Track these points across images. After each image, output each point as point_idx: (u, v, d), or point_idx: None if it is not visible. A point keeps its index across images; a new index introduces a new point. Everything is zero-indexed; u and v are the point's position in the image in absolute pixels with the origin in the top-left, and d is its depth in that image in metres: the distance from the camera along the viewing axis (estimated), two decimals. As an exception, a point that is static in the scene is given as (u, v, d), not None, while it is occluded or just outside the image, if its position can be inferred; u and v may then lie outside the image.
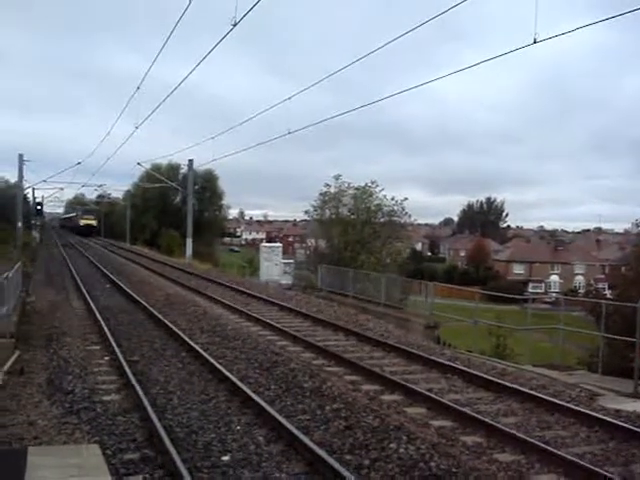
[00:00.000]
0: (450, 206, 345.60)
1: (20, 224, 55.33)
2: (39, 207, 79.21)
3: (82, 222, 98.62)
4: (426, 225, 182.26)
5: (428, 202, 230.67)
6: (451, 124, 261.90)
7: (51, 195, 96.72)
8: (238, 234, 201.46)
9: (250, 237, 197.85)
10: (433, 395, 11.50)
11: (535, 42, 12.27)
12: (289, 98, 23.68)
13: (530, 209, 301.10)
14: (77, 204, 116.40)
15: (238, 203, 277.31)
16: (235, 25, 15.16)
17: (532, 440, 9.17)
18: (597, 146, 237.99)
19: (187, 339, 15.92)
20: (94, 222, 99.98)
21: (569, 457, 8.50)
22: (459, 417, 10.37)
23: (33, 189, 78.67)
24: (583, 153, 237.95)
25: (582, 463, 8.31)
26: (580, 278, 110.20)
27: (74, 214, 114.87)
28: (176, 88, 26.94)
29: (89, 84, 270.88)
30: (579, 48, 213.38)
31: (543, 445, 9.00)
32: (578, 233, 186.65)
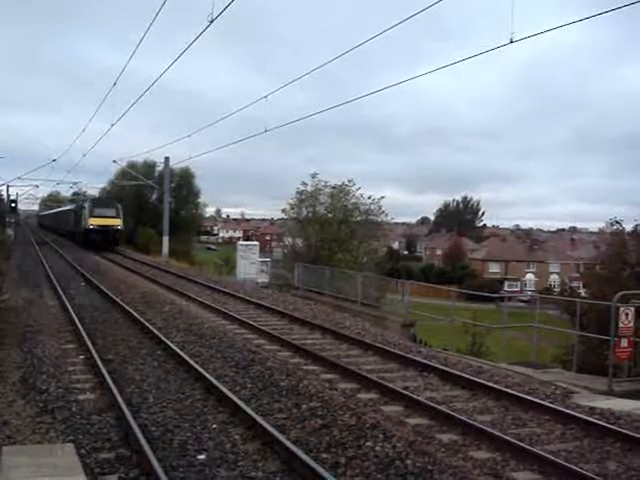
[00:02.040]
0: (429, 205, 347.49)
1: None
2: (13, 204, 78.36)
3: (92, 222, 53.92)
4: (403, 224, 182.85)
5: (407, 201, 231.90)
6: (432, 122, 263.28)
7: (26, 192, 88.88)
8: (215, 232, 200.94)
9: (227, 235, 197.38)
10: (409, 393, 11.52)
11: (512, 42, 12.35)
12: (265, 97, 23.61)
13: (506, 208, 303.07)
14: (53, 201, 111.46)
15: (215, 201, 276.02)
16: (212, 22, 15.11)
17: (507, 437, 9.23)
18: (577, 144, 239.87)
19: (163, 337, 15.84)
20: (116, 222, 55.08)
21: (544, 454, 8.56)
22: (435, 415, 10.41)
23: (7, 186, 77.72)
24: (562, 151, 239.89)
25: (557, 460, 8.37)
26: (555, 277, 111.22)
27: (69, 207, 74.97)
28: (152, 85, 26.82)
29: (65, 79, 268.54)
30: (560, 46, 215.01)
31: (518, 442, 9.05)
32: (553, 232, 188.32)
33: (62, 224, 77.29)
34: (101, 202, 57.85)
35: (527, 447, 8.87)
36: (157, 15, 17.32)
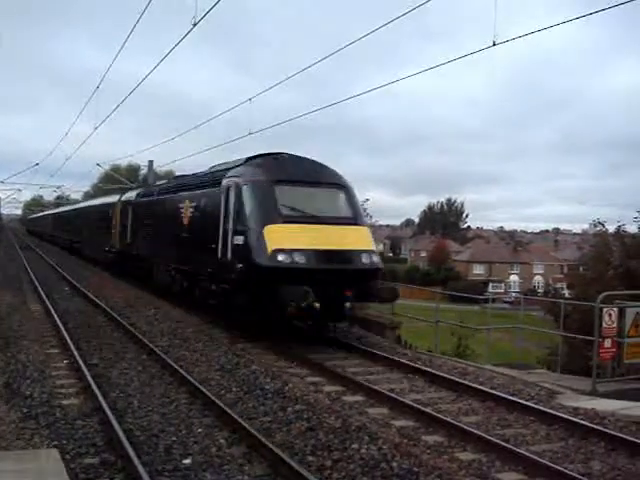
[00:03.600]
0: (413, 207, 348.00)
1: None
2: None
3: (278, 244, 15.05)
4: (387, 226, 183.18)
5: (391, 203, 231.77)
6: (416, 124, 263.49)
7: (8, 197, 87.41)
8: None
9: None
10: (395, 395, 11.55)
11: (494, 44, 12.41)
12: (250, 99, 23.45)
13: (491, 210, 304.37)
14: (35, 205, 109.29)
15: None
16: (195, 25, 15.08)
17: (492, 438, 9.26)
18: (562, 146, 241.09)
19: (147, 342, 15.78)
20: (364, 241, 16.71)
21: (529, 455, 8.60)
22: (421, 417, 10.43)
23: (-11, 190, 76.68)
24: (547, 153, 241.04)
25: (542, 461, 8.41)
26: (539, 278, 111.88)
27: (80, 205, 57.35)
28: (136, 88, 26.48)
29: (48, 79, 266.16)
30: (545, 48, 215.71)
31: (503, 443, 9.09)
32: (537, 234, 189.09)
33: (81, 236, 47.68)
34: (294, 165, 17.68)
35: (512, 448, 8.92)
36: (141, 16, 17.19)
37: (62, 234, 59.44)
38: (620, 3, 10.55)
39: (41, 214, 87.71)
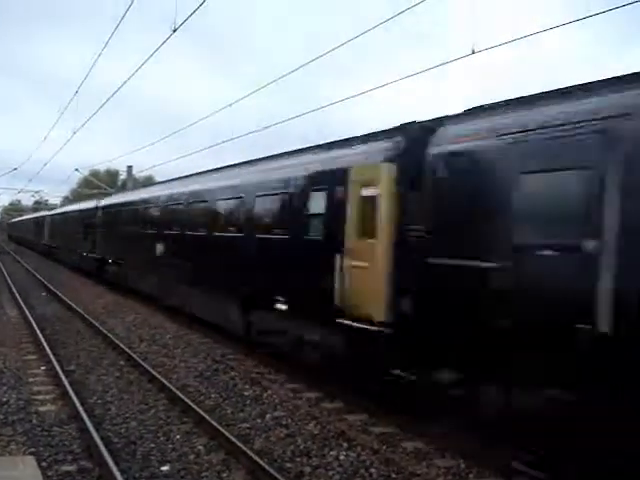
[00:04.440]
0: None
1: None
2: None
3: None
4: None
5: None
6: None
7: None
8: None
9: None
10: (374, 402, 11.52)
11: (473, 52, 12.47)
12: (230, 105, 23.42)
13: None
14: (14, 210, 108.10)
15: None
16: (175, 31, 15.04)
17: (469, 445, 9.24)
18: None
19: (125, 348, 15.71)
20: None
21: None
22: (400, 423, 10.42)
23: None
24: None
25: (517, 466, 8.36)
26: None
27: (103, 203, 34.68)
28: (116, 92, 26.39)
29: (26, 82, 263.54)
30: (521, 56, 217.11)
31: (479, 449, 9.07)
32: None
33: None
34: None
35: (488, 453, 8.90)
36: (122, 19, 16.96)
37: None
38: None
39: (34, 217, 72.81)
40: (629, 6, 9.82)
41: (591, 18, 10.75)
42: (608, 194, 7.06)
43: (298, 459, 8.78)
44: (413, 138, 10.64)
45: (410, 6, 12.94)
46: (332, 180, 12.14)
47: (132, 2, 15.90)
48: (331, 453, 8.99)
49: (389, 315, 10.21)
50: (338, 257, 11.32)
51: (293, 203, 13.62)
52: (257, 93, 21.60)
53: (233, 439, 9.06)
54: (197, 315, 18.88)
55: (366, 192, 10.89)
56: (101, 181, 65.67)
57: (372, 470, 8.37)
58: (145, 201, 25.90)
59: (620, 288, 6.91)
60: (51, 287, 30.10)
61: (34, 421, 10.19)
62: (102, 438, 9.04)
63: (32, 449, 8.88)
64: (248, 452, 8.55)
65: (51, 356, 14.47)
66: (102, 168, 75.61)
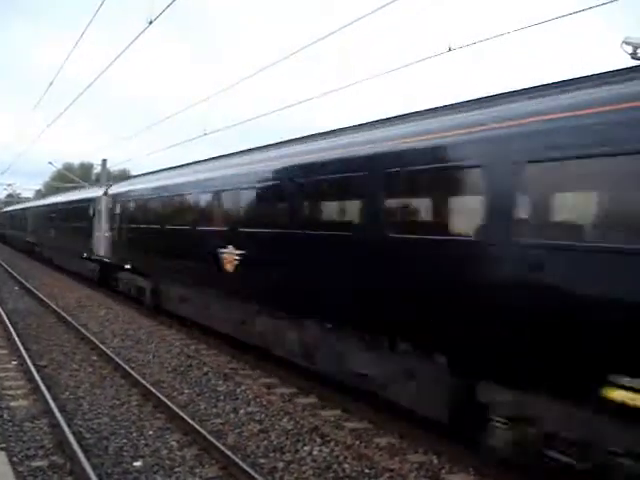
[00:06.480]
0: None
1: None
2: None
3: None
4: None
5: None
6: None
7: None
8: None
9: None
10: (348, 397, 11.54)
11: (450, 50, 12.50)
12: (206, 99, 23.20)
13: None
14: None
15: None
16: (151, 23, 14.91)
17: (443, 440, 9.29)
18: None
19: (98, 343, 15.61)
20: None
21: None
22: (374, 418, 10.45)
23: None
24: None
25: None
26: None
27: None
28: (90, 85, 26.18)
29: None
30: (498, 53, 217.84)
31: (455, 445, 9.12)
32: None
33: None
34: None
35: (463, 449, 8.96)
36: (98, 11, 16.76)
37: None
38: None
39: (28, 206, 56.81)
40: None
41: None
42: None
43: (271, 454, 8.78)
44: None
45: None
46: None
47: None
48: (304, 448, 9.00)
49: None
50: None
51: None
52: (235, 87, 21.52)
53: (206, 434, 9.05)
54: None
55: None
56: (75, 174, 65.12)
57: (345, 465, 8.40)
58: (204, 184, 16.06)
59: None
60: (23, 280, 29.85)
61: (5, 416, 10.10)
62: (74, 433, 9.00)
63: (3, 444, 8.80)
64: (221, 447, 8.54)
65: (22, 351, 14.35)
66: (76, 161, 75.18)
